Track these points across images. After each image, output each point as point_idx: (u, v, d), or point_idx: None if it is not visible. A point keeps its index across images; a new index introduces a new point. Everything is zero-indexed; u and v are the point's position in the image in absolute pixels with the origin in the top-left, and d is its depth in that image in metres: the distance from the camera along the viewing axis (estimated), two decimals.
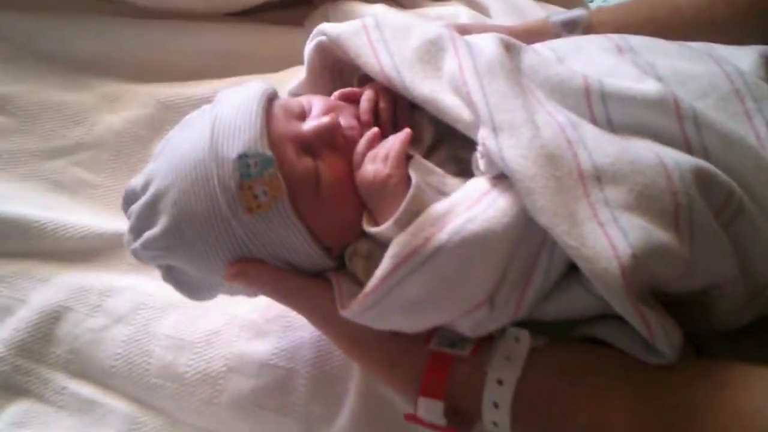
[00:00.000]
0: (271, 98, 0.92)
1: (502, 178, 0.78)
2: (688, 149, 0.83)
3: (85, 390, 1.06)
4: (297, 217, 0.82)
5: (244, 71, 1.32)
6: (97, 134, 1.24)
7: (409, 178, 0.80)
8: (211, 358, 1.04)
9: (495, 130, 0.81)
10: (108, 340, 1.04)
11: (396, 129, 0.87)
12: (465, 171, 0.85)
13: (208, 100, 1.29)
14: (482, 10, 1.31)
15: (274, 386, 0.96)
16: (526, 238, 0.77)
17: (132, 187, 0.92)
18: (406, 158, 0.82)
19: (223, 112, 0.88)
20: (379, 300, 0.78)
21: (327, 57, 0.94)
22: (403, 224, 0.78)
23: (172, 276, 0.93)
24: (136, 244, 0.89)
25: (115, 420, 1.04)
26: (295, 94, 1.04)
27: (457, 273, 0.76)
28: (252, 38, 1.30)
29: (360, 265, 0.84)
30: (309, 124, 0.86)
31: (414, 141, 0.89)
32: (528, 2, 1.30)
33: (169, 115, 1.24)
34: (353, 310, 0.80)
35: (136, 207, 0.89)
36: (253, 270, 0.86)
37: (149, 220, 0.88)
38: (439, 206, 0.78)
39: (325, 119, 0.86)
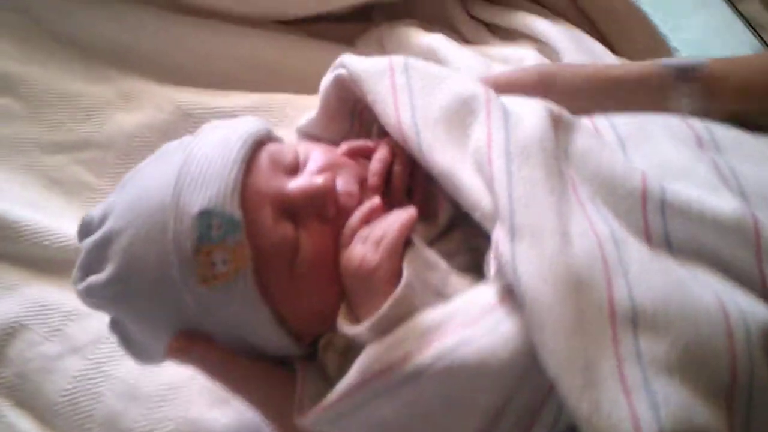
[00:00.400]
0: (260, 142, 0.77)
1: (514, 293, 0.63)
2: (765, 294, 0.64)
3: (24, 424, 0.95)
4: (261, 297, 0.71)
5: (277, 87, 1.19)
6: (107, 133, 1.15)
7: (401, 273, 0.67)
8: (163, 417, 0.92)
9: (513, 232, 0.64)
10: (60, 371, 0.96)
11: (410, 199, 0.77)
12: (479, 266, 0.72)
13: (231, 114, 1.17)
14: (552, 55, 1.13)
15: None
16: (529, 379, 0.63)
17: (89, 218, 0.79)
18: (403, 245, 0.70)
19: (198, 152, 0.74)
20: (340, 416, 0.67)
21: (346, 94, 0.84)
22: (381, 330, 0.66)
23: (116, 329, 0.80)
24: (81, 287, 0.77)
25: None
26: (303, 132, 0.89)
27: (439, 406, 0.65)
28: (292, 52, 1.17)
29: (333, 361, 0.74)
30: (297, 184, 0.75)
31: (425, 218, 0.73)
32: (602, 49, 1.11)
33: (186, 125, 1.13)
34: (309, 420, 0.69)
35: (87, 243, 0.77)
36: (198, 349, 0.73)
37: (97, 262, 0.76)
38: (430, 316, 0.66)
39: (318, 180, 0.74)
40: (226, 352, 0.73)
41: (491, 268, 0.69)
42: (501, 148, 0.69)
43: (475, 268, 0.72)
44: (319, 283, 0.71)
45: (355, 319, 0.70)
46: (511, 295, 0.64)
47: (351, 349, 0.71)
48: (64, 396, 0.95)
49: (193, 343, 0.72)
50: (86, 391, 0.92)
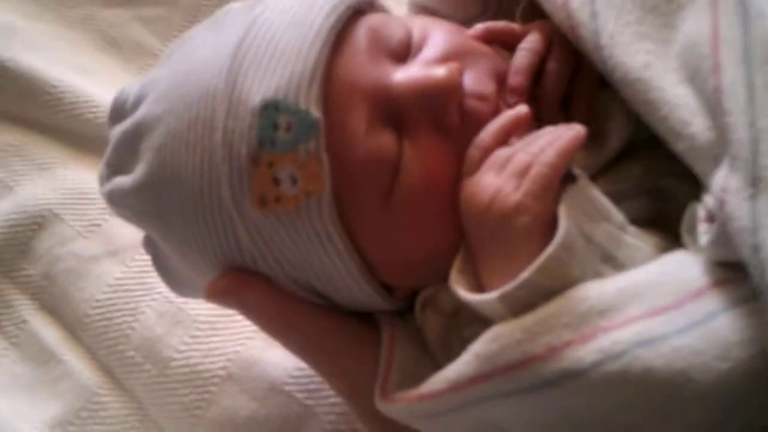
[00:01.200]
0: (358, 10, 0.56)
1: (739, 273, 0.45)
2: None
3: (48, 334, 0.82)
4: (342, 234, 0.53)
5: None
6: None
7: (554, 221, 0.48)
8: (211, 351, 0.76)
9: (755, 182, 0.43)
10: (92, 276, 0.82)
11: (567, 111, 0.57)
12: (665, 218, 0.53)
13: None
14: None
15: (280, 423, 0.70)
16: (757, 401, 0.45)
17: (123, 96, 0.60)
18: (561, 180, 0.49)
19: (267, 19, 0.54)
20: (441, 413, 0.50)
21: None
22: (519, 304, 0.47)
23: (150, 248, 0.63)
24: (105, 189, 0.60)
25: (69, 388, 0.78)
26: (419, 5, 0.65)
27: (595, 425, 0.46)
28: None
29: (435, 324, 0.57)
30: (407, 75, 0.54)
31: (588, 144, 0.51)
32: None
33: None
34: (396, 409, 0.52)
35: (117, 131, 0.59)
36: (250, 293, 0.55)
37: (126, 159, 0.58)
38: (595, 290, 0.47)
39: (437, 73, 0.53)
40: (289, 299, 0.57)
41: (701, 230, 0.46)
42: (736, 48, 0.45)
43: (657, 222, 0.54)
44: (425, 220, 0.54)
45: (476, 280, 0.52)
46: (734, 276, 0.46)
47: (462, 313, 0.55)
48: (97, 308, 0.80)
49: (245, 284, 0.56)
50: (123, 305, 0.79)
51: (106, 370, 0.78)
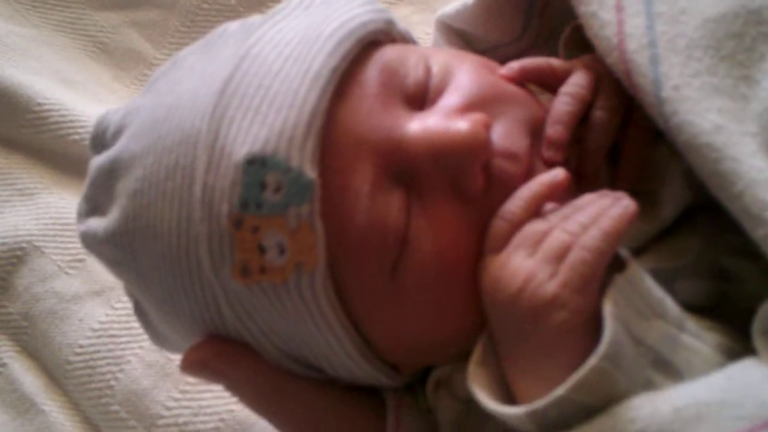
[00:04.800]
0: (370, 41, 0.48)
1: None
2: None
3: (29, 380, 0.74)
4: (339, 309, 0.46)
5: None
6: None
7: (597, 317, 0.40)
8: (202, 409, 0.68)
9: None
10: (75, 319, 0.74)
11: (612, 173, 0.50)
12: (728, 304, 0.46)
13: None
14: None
15: None
16: None
17: (105, 123, 0.54)
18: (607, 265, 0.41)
19: (261, 51, 0.47)
20: None
21: None
22: (550, 424, 0.40)
23: (133, 297, 0.55)
24: (81, 228, 0.53)
25: None
26: (447, 26, 0.58)
27: None
28: None
29: (450, 409, 0.50)
30: (423, 127, 0.46)
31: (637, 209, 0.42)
32: None
33: None
34: None
35: (95, 164, 0.52)
36: (236, 369, 0.48)
37: (102, 198, 0.52)
38: (647, 408, 0.39)
39: (462, 126, 0.45)
40: (279, 374, 0.50)
41: None
42: None
43: (718, 310, 0.45)
44: (437, 301, 0.46)
45: (500, 375, 0.44)
46: None
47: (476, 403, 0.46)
48: (79, 354, 0.73)
49: (227, 356, 0.48)
50: (107, 352, 0.72)
51: (89, 422, 0.71)
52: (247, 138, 0.43)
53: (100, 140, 0.54)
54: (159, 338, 0.56)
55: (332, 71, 0.45)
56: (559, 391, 0.38)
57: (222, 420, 0.66)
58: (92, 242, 0.52)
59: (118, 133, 0.51)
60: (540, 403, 0.39)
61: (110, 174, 0.50)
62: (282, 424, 0.51)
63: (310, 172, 0.43)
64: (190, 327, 0.49)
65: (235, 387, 0.50)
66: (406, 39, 0.53)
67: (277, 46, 0.46)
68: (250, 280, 0.44)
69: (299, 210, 0.43)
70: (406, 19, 0.82)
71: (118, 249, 0.49)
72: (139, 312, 0.55)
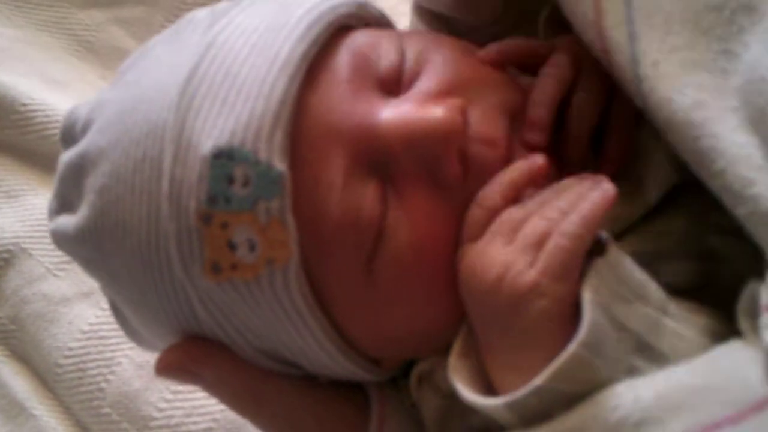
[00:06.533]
0: (341, 25, 0.47)
1: None
2: None
3: (19, 384, 0.74)
4: (314, 305, 0.45)
5: None
6: None
7: (578, 304, 0.39)
8: (194, 409, 0.68)
9: None
10: (64, 321, 0.73)
11: (596, 154, 0.48)
12: (715, 285, 0.44)
13: None
14: None
15: None
16: None
17: (74, 117, 0.52)
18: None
19: (228, 39, 0.45)
20: None
21: None
22: (530, 414, 0.39)
23: (108, 298, 0.53)
24: (51, 226, 0.51)
25: None
26: (423, 9, 0.57)
27: None
28: None
29: (433, 404, 0.48)
30: (397, 113, 0.44)
31: (620, 190, 0.41)
32: None
33: None
34: None
35: (64, 159, 0.51)
36: (212, 370, 0.47)
37: (71, 194, 0.50)
38: (629, 395, 0.37)
39: (437, 112, 0.43)
40: (257, 373, 0.48)
41: (764, 322, 0.37)
42: None
43: (704, 288, 0.44)
44: (415, 293, 0.45)
45: (481, 366, 0.43)
46: None
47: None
48: (69, 357, 0.72)
49: (202, 357, 0.47)
50: (97, 354, 0.71)
51: (80, 426, 0.70)
52: (213, 130, 0.42)
53: (69, 135, 0.52)
54: (136, 337, 0.54)
55: (301, 57, 0.43)
56: (538, 380, 0.37)
57: (215, 420, 0.65)
58: (62, 240, 0.50)
59: (86, 127, 0.50)
60: (519, 393, 0.38)
61: (78, 170, 0.48)
62: (262, 424, 0.50)
63: (279, 165, 0.41)
64: (165, 326, 0.48)
65: (211, 388, 0.49)
66: (381, 22, 0.51)
67: (244, 33, 0.45)
68: (221, 278, 0.43)
69: (269, 205, 0.41)
70: (393, 9, 0.81)
71: (88, 247, 0.48)
72: (116, 310, 0.54)
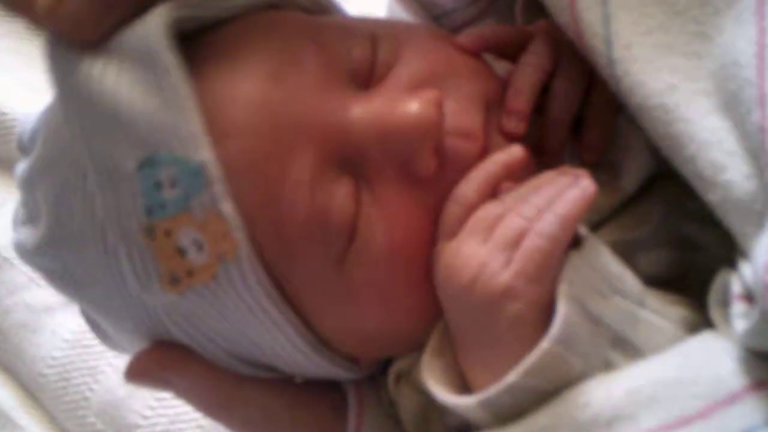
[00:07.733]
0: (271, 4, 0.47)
1: None
2: None
3: (4, 394, 0.73)
4: (279, 301, 0.43)
5: None
6: None
7: (552, 300, 0.38)
8: (179, 416, 0.67)
9: None
10: (47, 330, 0.73)
11: (578, 139, 0.46)
12: (692, 273, 0.44)
13: None
14: None
15: None
16: None
17: (25, 125, 0.49)
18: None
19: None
20: None
21: None
22: (503, 411, 0.38)
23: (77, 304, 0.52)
24: (14, 235, 0.49)
25: None
26: None
27: None
28: None
29: (412, 401, 0.47)
30: (369, 110, 0.43)
31: (598, 180, 0.40)
32: None
33: None
34: None
35: (18, 170, 0.48)
36: (183, 376, 0.46)
37: (30, 206, 0.47)
38: (601, 392, 0.37)
39: (412, 107, 0.42)
40: (230, 377, 0.47)
41: (736, 311, 0.36)
42: None
43: (682, 277, 0.43)
44: (389, 292, 0.43)
45: (456, 365, 0.42)
46: None
47: None
48: (52, 366, 0.72)
49: (172, 363, 0.46)
50: (81, 363, 0.71)
51: None
52: (125, 149, 0.40)
53: (22, 144, 0.49)
54: (108, 342, 0.53)
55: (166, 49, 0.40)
56: (511, 377, 0.36)
57: (200, 427, 0.65)
58: (24, 252, 0.48)
59: (34, 136, 0.48)
60: (491, 390, 0.37)
61: (30, 181, 0.46)
62: (237, 429, 0.48)
63: (197, 156, 0.39)
64: (134, 333, 0.46)
65: (182, 394, 0.47)
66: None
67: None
68: (181, 287, 0.41)
69: (201, 199, 0.40)
70: None
71: (49, 259, 0.46)
72: (86, 316, 0.52)
